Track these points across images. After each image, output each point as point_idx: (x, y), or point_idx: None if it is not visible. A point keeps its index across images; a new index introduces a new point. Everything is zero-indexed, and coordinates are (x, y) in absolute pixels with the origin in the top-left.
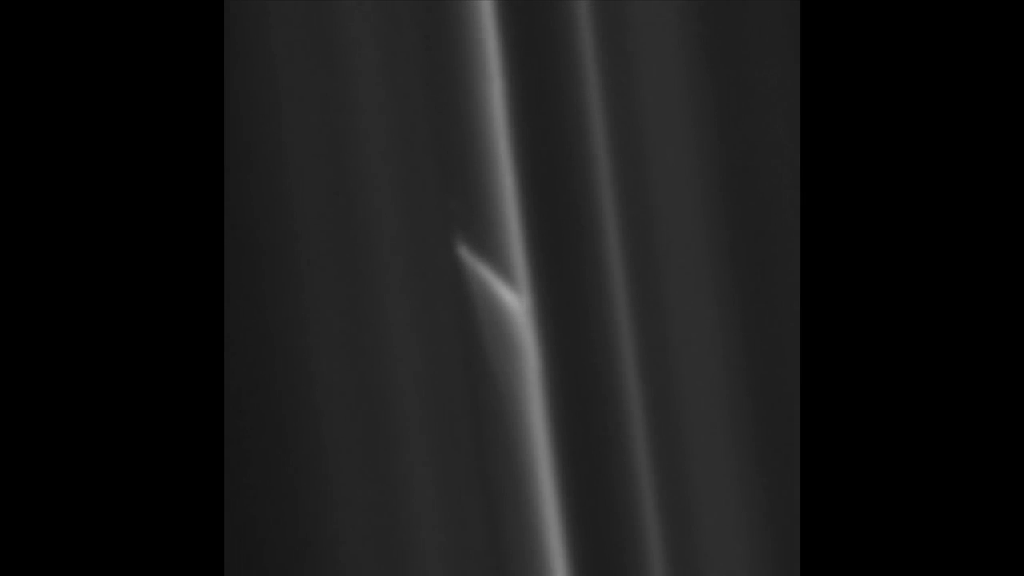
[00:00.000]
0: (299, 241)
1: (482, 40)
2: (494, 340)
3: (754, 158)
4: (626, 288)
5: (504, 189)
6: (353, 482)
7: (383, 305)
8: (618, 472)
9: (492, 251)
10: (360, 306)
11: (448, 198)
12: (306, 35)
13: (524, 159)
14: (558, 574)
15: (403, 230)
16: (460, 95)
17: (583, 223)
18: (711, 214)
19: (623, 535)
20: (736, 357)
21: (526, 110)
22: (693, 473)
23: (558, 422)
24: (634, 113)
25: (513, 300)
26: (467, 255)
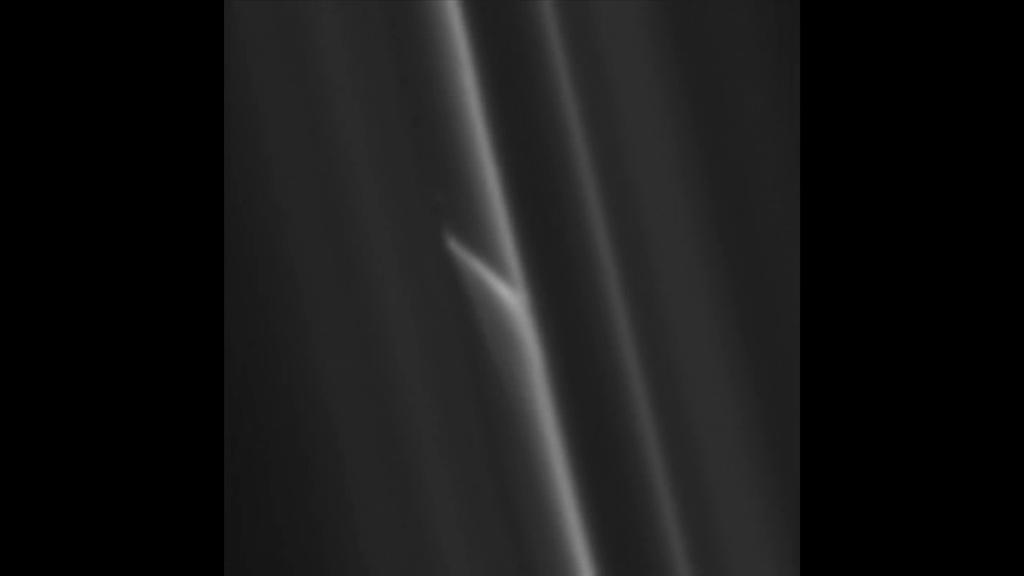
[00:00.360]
0: (292, 249)
1: (450, 33)
2: (494, 336)
3: (732, 136)
4: (618, 274)
5: (487, 180)
6: (367, 488)
7: (380, 307)
8: (630, 455)
9: (482, 243)
10: (358, 308)
11: (433, 192)
12: (282, 45)
13: (503, 148)
14: (581, 564)
15: (393, 230)
16: (434, 89)
17: (568, 211)
18: (694, 193)
19: (640, 514)
20: (733, 333)
21: (501, 99)
22: (702, 449)
23: (566, 413)
24: (607, 94)
25: (509, 295)
26: (458, 248)
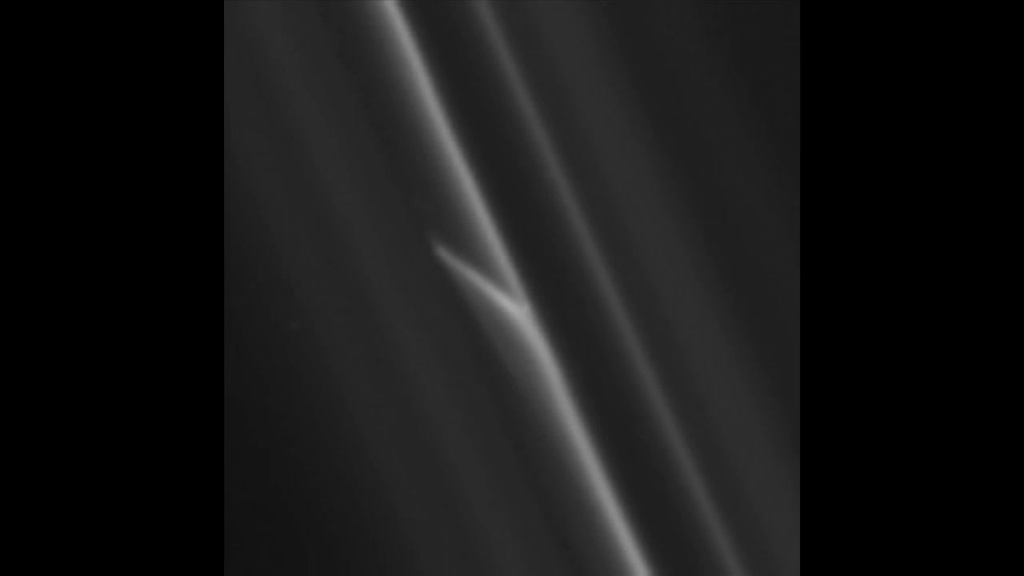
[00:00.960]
0: (293, 271)
1: (397, 40)
2: (504, 349)
3: (688, 118)
4: (608, 270)
5: (464, 185)
6: (415, 518)
7: (384, 326)
8: (657, 448)
9: (470, 249)
10: (360, 329)
11: (411, 198)
12: (247, 74)
13: (472, 153)
14: (634, 564)
15: (383, 245)
16: (394, 103)
17: (548, 214)
18: (664, 176)
19: (677, 504)
20: (731, 319)
21: (458, 99)
22: (722, 432)
23: (590, 415)
24: (560, 91)
25: (512, 307)
26: (448, 257)
